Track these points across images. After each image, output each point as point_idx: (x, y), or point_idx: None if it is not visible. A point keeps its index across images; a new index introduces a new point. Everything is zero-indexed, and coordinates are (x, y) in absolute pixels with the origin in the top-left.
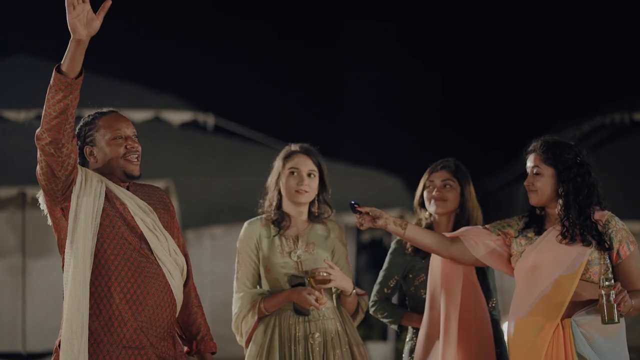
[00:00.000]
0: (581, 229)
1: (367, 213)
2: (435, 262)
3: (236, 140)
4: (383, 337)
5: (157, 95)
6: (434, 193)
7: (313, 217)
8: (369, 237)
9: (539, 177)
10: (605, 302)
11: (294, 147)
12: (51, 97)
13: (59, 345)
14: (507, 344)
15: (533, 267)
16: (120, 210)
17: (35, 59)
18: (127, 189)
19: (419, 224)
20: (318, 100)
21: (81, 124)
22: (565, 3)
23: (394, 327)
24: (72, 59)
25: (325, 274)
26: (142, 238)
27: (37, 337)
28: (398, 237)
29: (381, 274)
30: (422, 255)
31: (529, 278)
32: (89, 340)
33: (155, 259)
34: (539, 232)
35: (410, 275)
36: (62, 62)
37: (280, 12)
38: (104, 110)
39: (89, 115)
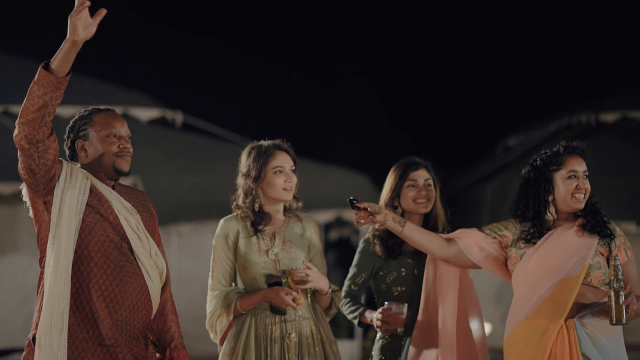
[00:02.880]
0: (597, 223)
1: (366, 209)
2: (430, 264)
3: (204, 138)
4: (350, 335)
5: (125, 92)
6: (421, 192)
7: (289, 212)
8: (336, 235)
9: (587, 180)
10: (614, 303)
11: (268, 144)
12: (33, 92)
13: (33, 340)
14: (504, 348)
15: (535, 269)
16: (104, 207)
17: None
18: (113, 188)
19: None
20: (286, 97)
21: (76, 117)
22: (533, 4)
23: (355, 322)
24: (63, 59)
25: (302, 275)
26: (124, 237)
27: (2, 334)
28: (366, 236)
29: (351, 270)
30: (394, 256)
31: (530, 280)
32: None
33: (135, 259)
34: (541, 234)
35: (381, 273)
36: (51, 60)
37: (251, 9)
38: (101, 107)
39: (85, 110)
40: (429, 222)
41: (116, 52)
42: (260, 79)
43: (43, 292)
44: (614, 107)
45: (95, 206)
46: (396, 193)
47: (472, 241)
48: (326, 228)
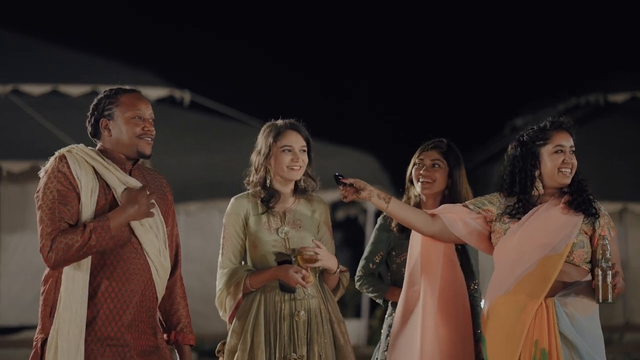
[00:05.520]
0: (583, 201)
1: (352, 185)
2: (415, 239)
3: (212, 117)
4: (356, 314)
5: (134, 71)
6: (422, 172)
7: (300, 192)
8: (343, 215)
9: (574, 155)
10: (601, 283)
11: (282, 123)
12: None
13: (42, 345)
14: (482, 321)
15: (518, 244)
16: (108, 199)
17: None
18: (130, 172)
19: (407, 202)
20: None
21: (101, 96)
22: None
23: (379, 301)
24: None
25: (312, 253)
26: (132, 230)
27: (12, 312)
28: (384, 213)
29: (367, 249)
30: (407, 234)
31: (513, 256)
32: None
33: (144, 253)
34: (526, 210)
35: (394, 253)
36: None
37: None
38: (127, 87)
39: (110, 89)
40: None
41: (124, 32)
42: (269, 57)
43: (49, 292)
44: (624, 88)
45: (103, 200)
46: (411, 171)
47: (456, 216)
48: (333, 207)
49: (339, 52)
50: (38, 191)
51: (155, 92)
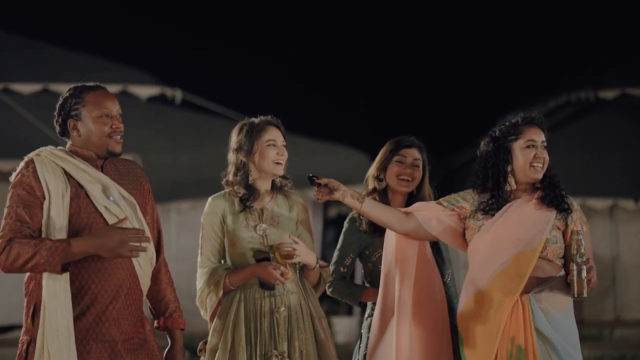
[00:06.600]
0: (556, 196)
1: (326, 185)
2: (390, 238)
3: (203, 115)
4: (349, 312)
5: (125, 70)
6: (406, 170)
7: (277, 189)
8: (335, 212)
9: (546, 151)
10: (576, 278)
11: (261, 119)
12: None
13: (27, 347)
14: (458, 318)
15: (492, 241)
16: (81, 198)
17: None
18: (102, 168)
19: (370, 195)
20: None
21: (66, 95)
22: None
23: (354, 304)
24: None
25: (290, 249)
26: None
27: (2, 311)
28: (351, 215)
29: (336, 253)
30: (380, 232)
31: (487, 252)
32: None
33: None
34: (499, 206)
35: (367, 252)
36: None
37: None
38: (91, 84)
39: (75, 88)
40: (412, 202)
41: (116, 30)
42: (258, 55)
43: (32, 294)
44: (614, 84)
45: (76, 200)
46: (383, 166)
47: (430, 214)
48: (325, 205)
49: (331, 50)
50: (8, 193)
51: (146, 91)
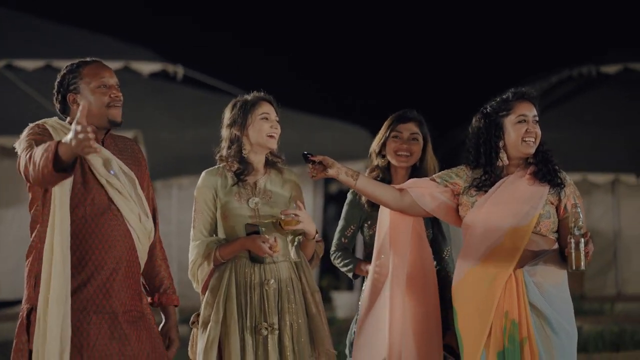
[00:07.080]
0: (549, 171)
1: (320, 162)
2: (384, 214)
3: (205, 91)
4: (349, 287)
5: (127, 46)
6: (402, 145)
7: (270, 164)
8: (336, 188)
9: (538, 125)
10: (574, 251)
11: (254, 95)
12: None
13: (27, 315)
14: (452, 293)
15: (486, 217)
16: (84, 169)
17: None
18: (103, 142)
19: (374, 171)
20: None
21: (64, 72)
22: None
23: (350, 275)
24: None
25: (293, 216)
26: (111, 199)
27: (8, 285)
28: None
29: (339, 223)
30: (378, 206)
31: (481, 228)
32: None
33: (125, 221)
34: (492, 182)
35: (366, 225)
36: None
37: None
38: (87, 59)
39: (72, 64)
40: (415, 177)
41: (118, 6)
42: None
43: (33, 263)
44: (616, 59)
45: (80, 173)
46: (382, 142)
47: (425, 190)
48: (326, 181)
49: (334, 23)
50: (19, 143)
51: (148, 67)
